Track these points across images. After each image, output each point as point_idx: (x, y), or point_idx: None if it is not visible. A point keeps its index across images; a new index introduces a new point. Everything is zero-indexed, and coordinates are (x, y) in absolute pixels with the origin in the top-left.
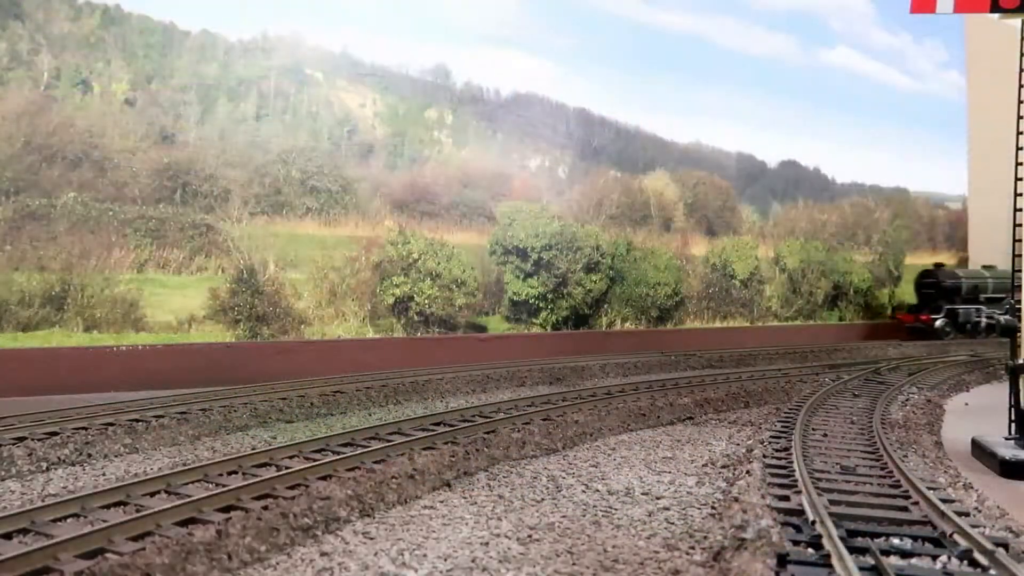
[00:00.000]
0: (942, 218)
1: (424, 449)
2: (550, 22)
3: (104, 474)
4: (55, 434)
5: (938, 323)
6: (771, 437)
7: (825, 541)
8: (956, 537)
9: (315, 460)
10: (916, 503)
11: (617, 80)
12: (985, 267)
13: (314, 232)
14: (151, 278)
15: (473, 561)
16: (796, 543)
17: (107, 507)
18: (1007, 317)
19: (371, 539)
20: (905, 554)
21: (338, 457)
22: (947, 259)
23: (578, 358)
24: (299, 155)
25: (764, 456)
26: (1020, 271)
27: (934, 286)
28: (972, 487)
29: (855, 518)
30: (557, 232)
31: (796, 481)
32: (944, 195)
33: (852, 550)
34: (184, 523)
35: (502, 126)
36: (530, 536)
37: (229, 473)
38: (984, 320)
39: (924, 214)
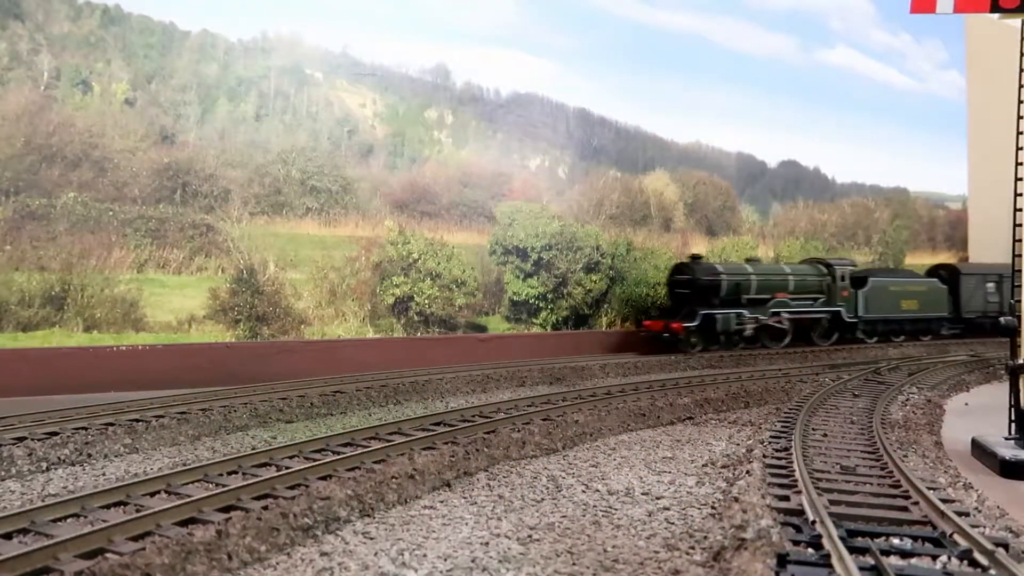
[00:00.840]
0: (942, 218)
1: (424, 449)
2: (550, 22)
3: (104, 474)
4: (55, 434)
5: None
6: (771, 437)
7: (825, 541)
8: (956, 537)
9: (315, 460)
10: (916, 503)
11: (617, 80)
12: (749, 260)
13: (314, 232)
14: (151, 278)
15: (473, 561)
16: (796, 543)
17: (107, 507)
18: (1007, 317)
19: (371, 539)
20: (905, 554)
21: (338, 457)
22: (947, 259)
23: (578, 358)
24: (299, 155)
25: (764, 456)
26: (1020, 271)
27: (689, 284)
28: (972, 487)
29: (855, 518)
30: (557, 232)
31: (796, 481)
32: (944, 195)
33: (852, 550)
34: (184, 523)
35: (502, 126)
36: (530, 536)
37: (229, 473)
38: (749, 328)
39: (924, 214)
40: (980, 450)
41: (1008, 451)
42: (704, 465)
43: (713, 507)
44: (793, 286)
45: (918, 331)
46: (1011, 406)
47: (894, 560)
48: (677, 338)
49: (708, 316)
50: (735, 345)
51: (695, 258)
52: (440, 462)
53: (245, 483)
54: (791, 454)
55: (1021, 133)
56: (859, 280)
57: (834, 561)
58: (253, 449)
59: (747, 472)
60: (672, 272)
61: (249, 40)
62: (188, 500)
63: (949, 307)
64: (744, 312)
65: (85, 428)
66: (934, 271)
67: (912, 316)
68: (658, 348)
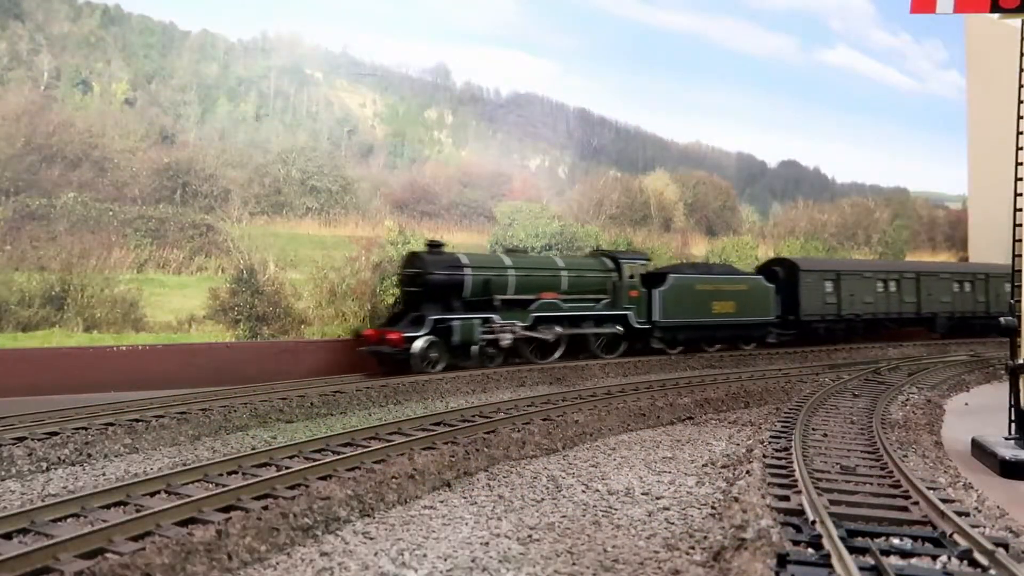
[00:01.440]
0: (942, 218)
1: (424, 449)
2: (550, 22)
3: (104, 474)
4: (55, 434)
5: (416, 345)
6: (771, 437)
7: (825, 541)
8: (956, 537)
9: (315, 460)
10: (916, 503)
11: (617, 80)
12: (511, 251)
13: (314, 232)
14: (151, 278)
15: (473, 561)
16: (796, 543)
17: (107, 507)
18: (1007, 318)
19: (371, 539)
20: (905, 554)
21: (338, 457)
22: (947, 259)
23: (578, 358)
24: (299, 155)
25: (764, 456)
26: (1020, 271)
27: (420, 280)
28: (972, 487)
29: (855, 518)
30: (557, 232)
31: (796, 481)
32: (944, 195)
33: (852, 550)
34: (184, 523)
35: (502, 126)
36: (530, 536)
37: (229, 473)
38: (507, 338)
39: (924, 214)
40: (980, 450)
41: (1008, 451)
42: (704, 465)
43: (713, 507)
44: (567, 284)
45: (736, 338)
46: (1011, 406)
47: (894, 560)
48: (401, 353)
49: (442, 323)
50: (491, 360)
51: (433, 246)
52: (440, 462)
53: (245, 483)
54: (791, 454)
55: (1021, 133)
56: (658, 278)
57: (834, 561)
58: (253, 449)
59: (747, 472)
60: (402, 264)
61: (249, 40)
62: (188, 500)
63: (777, 309)
64: (495, 317)
65: (85, 428)
66: (767, 267)
67: (728, 321)
68: (393, 367)
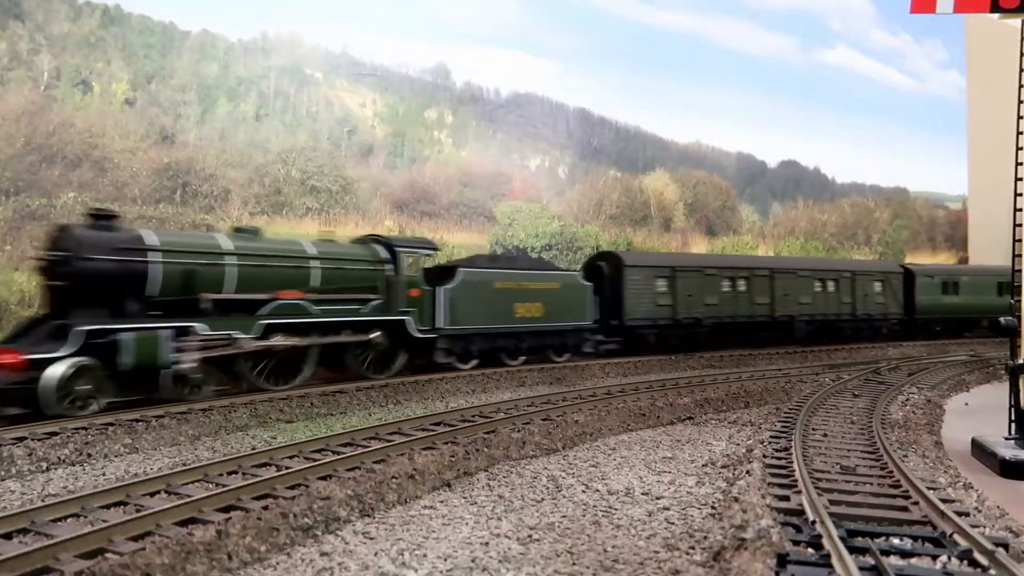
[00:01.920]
0: (942, 218)
1: (424, 449)
2: (550, 22)
3: (104, 474)
4: (55, 434)
5: (52, 374)
6: (771, 437)
7: (825, 541)
8: (956, 537)
9: (315, 460)
10: (916, 503)
11: (617, 80)
12: (240, 231)
13: (314, 232)
14: None
15: (473, 561)
16: (796, 543)
17: (107, 507)
18: (1007, 318)
19: (371, 539)
20: (905, 554)
21: (338, 457)
22: (947, 259)
23: (578, 358)
24: (299, 155)
25: (764, 456)
26: (1020, 271)
27: (64, 269)
28: (972, 487)
29: (855, 518)
30: (557, 232)
31: (796, 481)
32: (944, 195)
33: (852, 550)
34: (184, 523)
35: (502, 126)
36: (530, 536)
37: (229, 473)
38: (187, 361)
39: (924, 214)
40: (980, 450)
41: (1008, 451)
42: (704, 465)
43: (713, 507)
44: (320, 279)
45: (546, 347)
46: (1011, 406)
47: (894, 560)
48: (22, 385)
49: (102, 336)
50: (197, 389)
51: (100, 219)
52: (440, 462)
53: (245, 483)
54: (791, 454)
55: (1021, 133)
56: (446, 273)
57: (834, 561)
58: (253, 449)
59: (747, 472)
60: (44, 244)
61: (249, 40)
62: (188, 500)
63: (596, 312)
64: (199, 326)
65: (85, 428)
66: (592, 262)
67: (534, 327)
68: (20, 406)
